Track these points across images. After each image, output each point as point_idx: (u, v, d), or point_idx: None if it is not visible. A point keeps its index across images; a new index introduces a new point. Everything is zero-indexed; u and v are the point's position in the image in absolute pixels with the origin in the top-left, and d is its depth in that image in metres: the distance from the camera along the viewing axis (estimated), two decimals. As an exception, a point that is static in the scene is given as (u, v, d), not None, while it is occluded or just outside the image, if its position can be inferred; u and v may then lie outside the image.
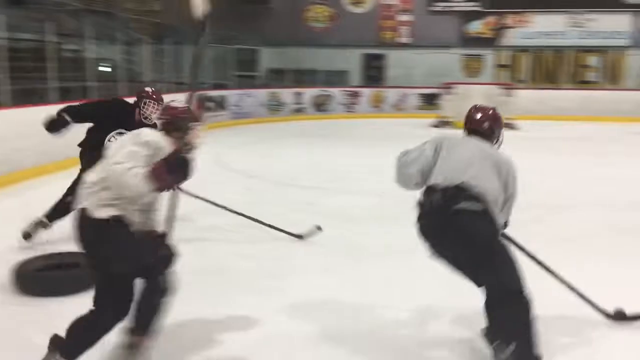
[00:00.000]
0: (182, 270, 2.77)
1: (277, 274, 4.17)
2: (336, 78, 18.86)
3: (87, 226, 2.57)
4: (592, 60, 18.57)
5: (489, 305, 2.75)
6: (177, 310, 2.85)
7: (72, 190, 4.27)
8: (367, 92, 18.06)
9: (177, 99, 3.15)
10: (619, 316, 3.33)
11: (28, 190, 6.66)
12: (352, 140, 12.41)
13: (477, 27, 18.99)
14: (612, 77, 18.45)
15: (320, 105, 17.50)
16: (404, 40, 19.29)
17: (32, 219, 4.62)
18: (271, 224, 4.95)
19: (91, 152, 4.16)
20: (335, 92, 17.73)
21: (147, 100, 4.62)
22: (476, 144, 3.01)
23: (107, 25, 12.00)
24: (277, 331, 3.23)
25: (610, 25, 18.22)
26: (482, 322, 2.88)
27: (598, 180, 7.83)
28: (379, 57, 19.35)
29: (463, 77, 18.36)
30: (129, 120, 4.48)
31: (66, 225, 5.01)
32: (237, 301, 3.61)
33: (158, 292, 2.64)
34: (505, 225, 3.03)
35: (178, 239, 2.97)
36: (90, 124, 4.69)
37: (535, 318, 2.64)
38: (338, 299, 3.69)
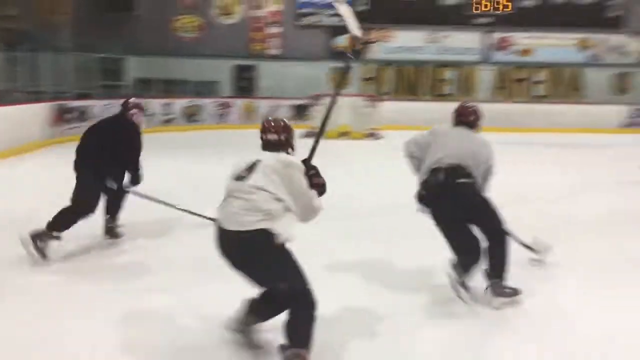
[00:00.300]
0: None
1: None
2: (206, 89, 18.71)
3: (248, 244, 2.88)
4: (448, 74, 20.04)
5: (492, 245, 3.85)
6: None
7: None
8: (238, 103, 18.10)
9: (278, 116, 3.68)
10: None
11: None
12: (224, 151, 12.35)
13: (343, 41, 19.75)
14: (466, 90, 20.02)
15: (191, 116, 17.26)
16: (273, 51, 19.58)
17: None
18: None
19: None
20: (206, 102, 17.59)
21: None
22: (463, 132, 4.15)
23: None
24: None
25: (462, 42, 19.80)
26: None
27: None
28: (249, 68, 19.48)
29: (331, 89, 18.96)
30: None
31: None
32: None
33: (311, 306, 2.85)
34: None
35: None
36: None
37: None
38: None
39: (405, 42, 19.82)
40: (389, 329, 3.50)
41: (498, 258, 3.82)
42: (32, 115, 11.63)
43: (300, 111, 18.02)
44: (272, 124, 3.21)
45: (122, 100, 5.36)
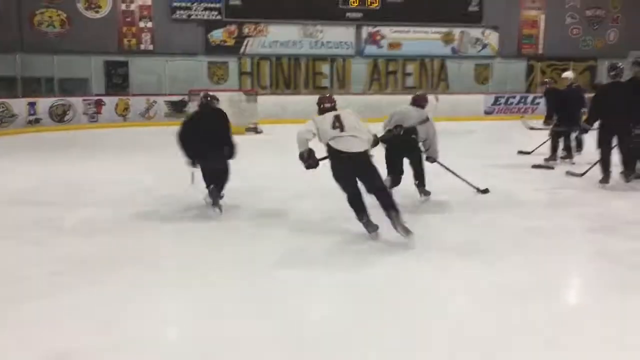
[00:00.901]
0: None
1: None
2: (75, 86, 17.74)
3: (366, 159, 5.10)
4: (324, 67, 20.52)
5: (418, 176, 6.59)
6: None
7: None
8: (111, 101, 17.37)
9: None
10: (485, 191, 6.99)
11: None
12: (97, 152, 11.84)
13: (219, 35, 19.57)
14: (342, 83, 20.62)
15: (60, 116, 16.30)
16: (147, 47, 18.96)
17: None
18: None
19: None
20: (75, 101, 16.69)
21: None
22: (411, 107, 6.69)
23: None
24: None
25: (337, 36, 20.35)
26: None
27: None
28: (121, 64, 18.72)
29: (209, 84, 18.77)
30: None
31: None
32: None
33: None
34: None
35: None
36: None
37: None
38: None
39: (281, 37, 20.01)
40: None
41: (422, 175, 6.60)
42: None
43: (178, 107, 17.68)
44: (328, 97, 5.48)
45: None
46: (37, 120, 15.79)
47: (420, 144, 6.51)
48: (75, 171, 9.14)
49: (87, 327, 3.38)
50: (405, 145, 6.40)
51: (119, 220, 5.91)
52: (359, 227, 5.10)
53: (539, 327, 3.36)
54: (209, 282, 4.12)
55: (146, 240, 5.23)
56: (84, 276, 4.23)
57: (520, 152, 10.58)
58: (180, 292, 3.94)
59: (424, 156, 6.61)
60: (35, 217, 6.04)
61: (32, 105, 15.73)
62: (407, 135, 6.33)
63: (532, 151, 10.39)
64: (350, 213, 5.13)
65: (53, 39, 18.01)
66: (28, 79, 17.02)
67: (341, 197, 5.15)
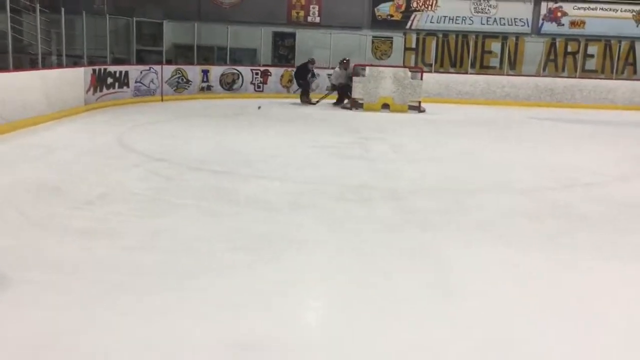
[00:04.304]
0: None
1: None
2: (244, 56, 18.30)
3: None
4: (494, 46, 19.21)
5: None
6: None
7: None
8: (277, 72, 17.67)
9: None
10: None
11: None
12: (264, 121, 12.01)
13: (386, 9, 19.06)
14: (513, 63, 19.20)
15: (229, 84, 16.91)
16: (314, 19, 19.01)
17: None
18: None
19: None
20: (244, 70, 17.19)
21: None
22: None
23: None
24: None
25: (512, 12, 18.91)
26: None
27: (498, 164, 7.99)
28: (289, 36, 18.97)
29: (372, 59, 18.41)
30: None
31: None
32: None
33: None
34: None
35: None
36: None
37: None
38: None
39: (450, 12, 19.03)
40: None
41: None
42: (70, 79, 11.38)
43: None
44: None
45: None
46: (209, 87, 16.51)
47: None
48: (244, 140, 9.25)
49: (268, 316, 3.12)
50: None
51: (293, 194, 5.73)
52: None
53: None
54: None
55: (323, 217, 4.95)
56: (262, 254, 4.02)
57: None
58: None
59: None
60: (212, 185, 6.06)
61: (205, 72, 16.45)
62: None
63: None
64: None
65: (228, 9, 18.68)
66: (203, 47, 17.84)
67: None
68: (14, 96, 9.06)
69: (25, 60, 11.34)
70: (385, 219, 5.02)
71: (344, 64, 15.41)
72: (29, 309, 3.05)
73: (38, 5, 10.60)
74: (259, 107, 9.81)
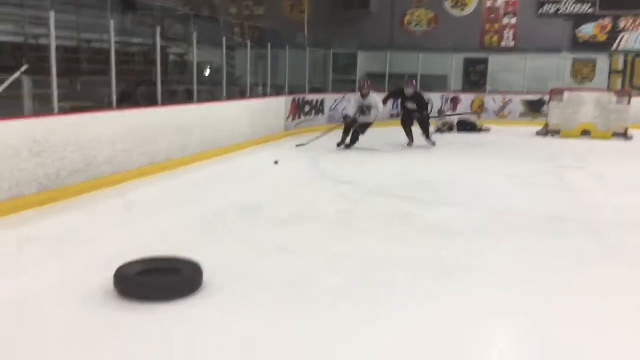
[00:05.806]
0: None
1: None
2: (434, 82, 18.36)
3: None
4: None
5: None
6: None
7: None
8: (467, 98, 17.44)
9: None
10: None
11: (131, 191, 6.86)
12: (451, 150, 11.95)
13: (589, 30, 17.83)
14: None
15: (417, 111, 17.04)
16: (508, 44, 18.45)
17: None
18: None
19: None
20: (434, 97, 17.22)
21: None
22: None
23: (212, 30, 12.33)
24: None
25: None
26: None
27: None
28: (480, 62, 18.62)
29: (572, 83, 17.30)
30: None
31: (165, 230, 5.09)
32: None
33: None
34: None
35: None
36: None
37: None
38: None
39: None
40: None
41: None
42: (273, 107, 12.51)
43: (535, 107, 16.78)
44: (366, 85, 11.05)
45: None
46: (398, 115, 16.77)
47: None
48: (429, 166, 9.32)
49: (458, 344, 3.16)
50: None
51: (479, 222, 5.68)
52: None
53: None
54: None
55: (502, 248, 4.84)
56: (445, 284, 4.07)
57: None
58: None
59: None
60: (396, 211, 6.24)
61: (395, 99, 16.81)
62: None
63: None
64: None
65: (419, 37, 18.97)
66: (394, 75, 18.29)
67: None
68: (227, 125, 10.25)
69: (236, 90, 12.68)
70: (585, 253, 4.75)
71: (363, 87, 11.19)
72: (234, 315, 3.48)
73: (249, 42, 11.88)
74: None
